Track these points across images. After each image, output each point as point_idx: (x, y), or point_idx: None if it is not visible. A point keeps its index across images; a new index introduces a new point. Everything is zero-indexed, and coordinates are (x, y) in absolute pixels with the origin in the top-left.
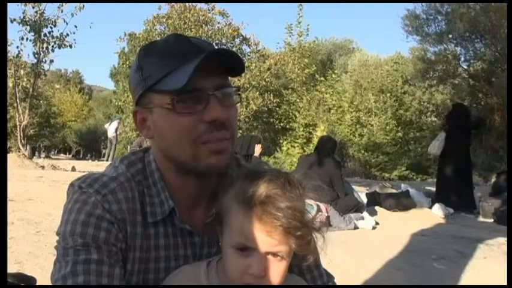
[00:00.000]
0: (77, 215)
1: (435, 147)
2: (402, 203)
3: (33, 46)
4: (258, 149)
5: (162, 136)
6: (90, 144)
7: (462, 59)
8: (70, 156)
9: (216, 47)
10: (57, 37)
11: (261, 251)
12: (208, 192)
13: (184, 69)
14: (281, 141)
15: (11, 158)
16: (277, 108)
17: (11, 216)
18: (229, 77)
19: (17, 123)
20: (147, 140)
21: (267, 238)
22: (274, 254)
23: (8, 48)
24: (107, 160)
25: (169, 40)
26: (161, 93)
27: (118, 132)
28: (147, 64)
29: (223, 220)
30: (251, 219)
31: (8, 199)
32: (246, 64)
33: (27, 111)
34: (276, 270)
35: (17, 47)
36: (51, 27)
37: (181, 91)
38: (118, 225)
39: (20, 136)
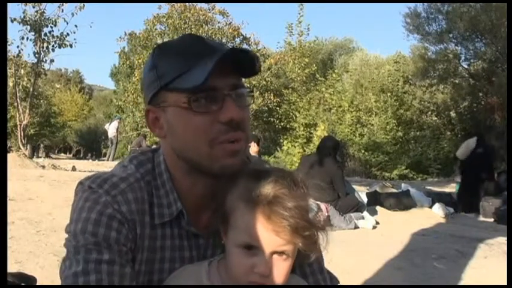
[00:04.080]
0: (88, 214)
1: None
2: (402, 202)
3: (34, 46)
4: (253, 147)
5: (177, 135)
6: (91, 143)
7: (462, 58)
8: (70, 155)
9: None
10: (57, 37)
11: (267, 250)
12: (217, 194)
13: (202, 67)
14: (281, 140)
15: (12, 157)
16: (278, 108)
17: (11, 216)
18: None
19: (18, 123)
20: (160, 139)
21: (275, 238)
22: (280, 253)
23: (9, 47)
24: (108, 160)
25: (184, 40)
26: (177, 92)
27: (118, 132)
28: (162, 63)
29: (228, 219)
30: (259, 219)
31: (8, 199)
32: None
33: (27, 110)
34: (281, 269)
35: (18, 46)
36: (51, 27)
37: (198, 90)
38: (128, 226)
39: (21, 135)
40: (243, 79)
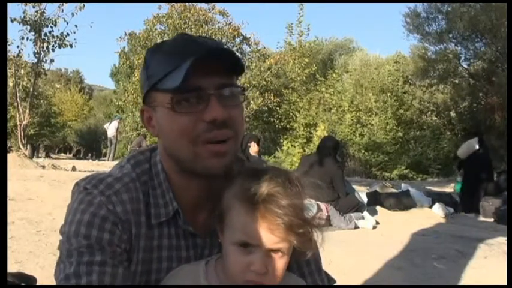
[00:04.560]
0: (81, 216)
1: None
2: (402, 202)
3: (34, 46)
4: (253, 148)
5: (165, 135)
6: (91, 143)
7: (462, 58)
8: (70, 155)
9: (223, 46)
10: (57, 37)
11: (263, 248)
12: (213, 195)
13: (183, 68)
14: (281, 140)
15: (12, 157)
16: (278, 108)
17: (11, 216)
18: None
19: (18, 123)
20: (156, 138)
21: (270, 235)
22: (276, 251)
23: (9, 47)
24: (108, 160)
25: (176, 39)
26: (163, 92)
27: (118, 132)
28: (152, 63)
29: (224, 218)
30: (254, 217)
31: (8, 199)
32: (246, 64)
33: (27, 110)
34: (277, 266)
35: (18, 46)
36: (51, 27)
37: (180, 90)
38: (122, 227)
39: (21, 135)
40: (242, 79)
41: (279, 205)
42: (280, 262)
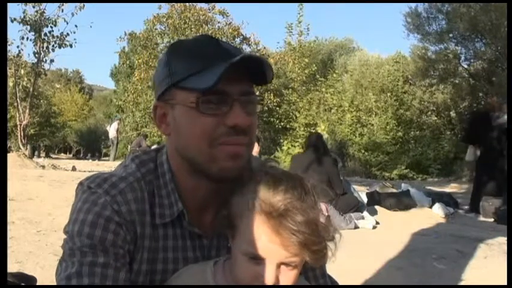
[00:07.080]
0: (86, 215)
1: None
2: (403, 202)
3: (34, 45)
4: (254, 148)
5: (181, 134)
6: (91, 143)
7: (462, 58)
8: (70, 155)
9: (255, 55)
10: (57, 36)
11: (274, 262)
12: (221, 197)
13: (214, 70)
14: (281, 140)
15: (12, 157)
16: (278, 108)
17: (11, 216)
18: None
19: (18, 123)
20: (166, 138)
21: (282, 251)
22: (287, 264)
23: (9, 47)
24: (111, 159)
25: (200, 40)
26: (186, 91)
27: (118, 133)
28: (176, 60)
29: (234, 224)
30: (266, 232)
31: (8, 199)
32: None
33: (27, 110)
34: (288, 278)
35: (18, 46)
36: (51, 27)
37: (208, 91)
38: (126, 227)
39: (21, 135)
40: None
41: (295, 221)
42: (291, 274)
